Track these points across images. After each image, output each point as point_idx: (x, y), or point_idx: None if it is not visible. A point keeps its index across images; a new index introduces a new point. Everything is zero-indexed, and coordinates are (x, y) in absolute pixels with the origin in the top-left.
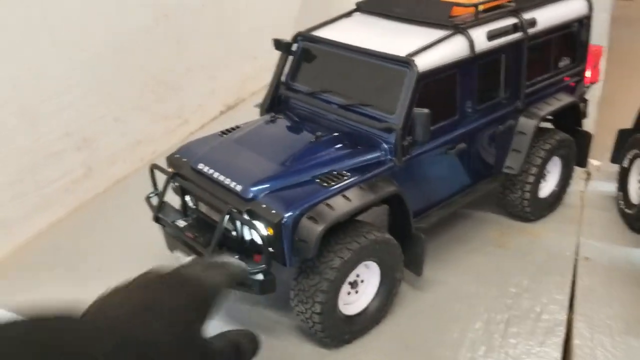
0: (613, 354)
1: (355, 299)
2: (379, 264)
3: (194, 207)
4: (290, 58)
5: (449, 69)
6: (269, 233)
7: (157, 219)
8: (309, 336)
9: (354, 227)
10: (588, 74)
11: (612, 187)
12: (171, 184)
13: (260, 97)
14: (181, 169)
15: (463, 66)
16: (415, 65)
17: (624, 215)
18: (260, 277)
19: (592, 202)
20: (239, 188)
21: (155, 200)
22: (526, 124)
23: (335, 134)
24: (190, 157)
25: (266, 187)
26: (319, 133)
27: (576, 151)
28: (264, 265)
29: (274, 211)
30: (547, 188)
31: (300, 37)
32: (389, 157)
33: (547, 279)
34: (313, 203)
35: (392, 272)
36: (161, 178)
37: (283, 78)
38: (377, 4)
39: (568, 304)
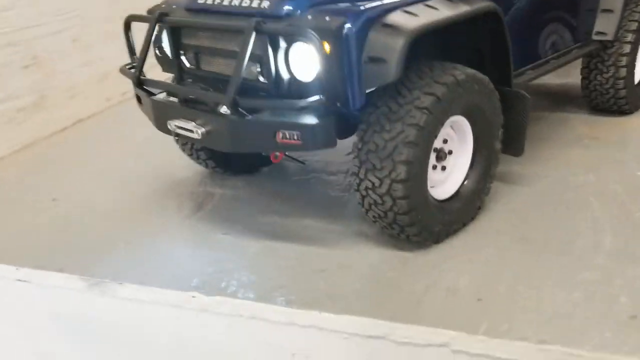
0: None
1: (443, 177)
2: (473, 125)
3: (194, 67)
4: None
5: None
6: (325, 53)
7: (139, 83)
8: (375, 237)
9: (435, 67)
10: None
11: None
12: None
13: None
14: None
15: None
16: None
17: None
18: (313, 119)
19: None
20: (266, 5)
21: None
22: None
23: None
24: (179, 3)
25: (306, 3)
26: None
27: None
28: (319, 97)
29: (328, 18)
30: (638, 71)
31: None
32: None
33: None
34: (386, 9)
35: (489, 137)
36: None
37: None
38: None
39: None
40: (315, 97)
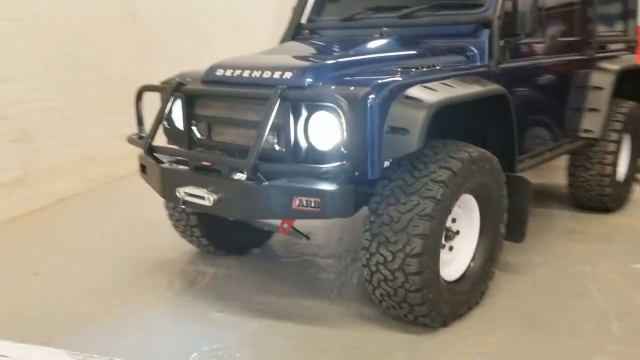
0: None
1: (450, 258)
2: (480, 205)
3: (205, 137)
4: None
5: None
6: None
7: (150, 150)
8: (378, 320)
9: (448, 144)
10: None
11: None
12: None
13: None
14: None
15: None
16: None
17: None
18: (332, 186)
19: None
20: (288, 75)
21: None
22: (602, 78)
23: (402, 36)
24: (195, 76)
25: (331, 74)
26: (385, 29)
27: None
28: (343, 163)
29: (352, 88)
30: (620, 170)
31: None
32: (478, 62)
33: None
34: (408, 82)
35: (494, 219)
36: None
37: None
38: None
39: None
40: (338, 163)
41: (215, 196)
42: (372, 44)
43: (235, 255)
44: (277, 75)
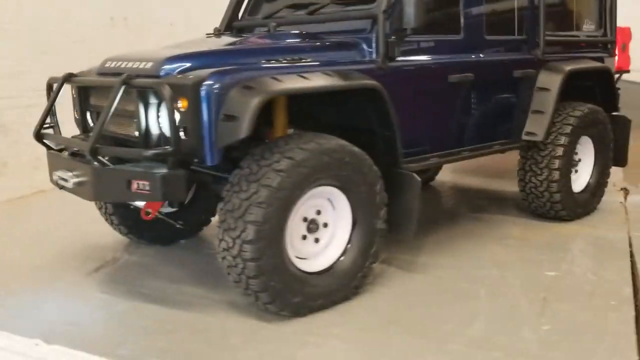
0: None
1: (316, 250)
2: (350, 199)
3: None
4: None
5: None
6: (182, 108)
7: (39, 136)
8: (245, 308)
9: (305, 135)
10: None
11: None
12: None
13: None
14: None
15: None
16: None
17: None
18: (161, 170)
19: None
20: (148, 66)
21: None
22: (549, 79)
23: (297, 31)
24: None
25: (188, 65)
26: (272, 24)
27: (612, 140)
28: (169, 148)
29: (191, 76)
30: (581, 177)
31: None
32: (368, 58)
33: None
34: (253, 75)
35: (368, 214)
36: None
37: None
38: None
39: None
40: (162, 148)
41: (76, 179)
42: (252, 40)
43: (160, 245)
44: (141, 65)
